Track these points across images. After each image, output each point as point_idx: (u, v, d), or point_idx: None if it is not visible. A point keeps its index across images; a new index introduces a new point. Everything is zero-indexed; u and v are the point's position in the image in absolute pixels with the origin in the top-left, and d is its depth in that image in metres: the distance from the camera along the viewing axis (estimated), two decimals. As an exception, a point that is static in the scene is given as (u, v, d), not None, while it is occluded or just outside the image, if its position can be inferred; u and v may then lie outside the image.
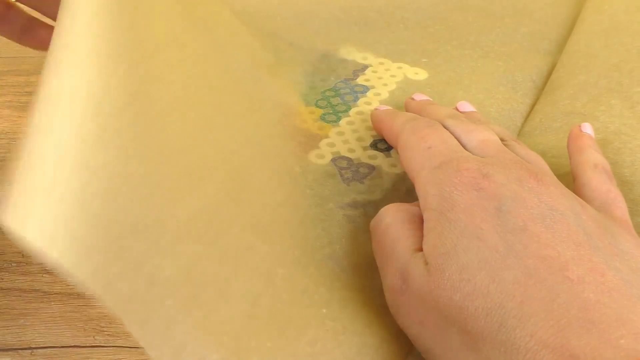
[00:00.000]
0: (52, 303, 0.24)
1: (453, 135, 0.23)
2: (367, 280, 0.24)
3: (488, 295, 0.17)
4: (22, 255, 0.26)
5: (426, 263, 0.19)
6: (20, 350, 0.22)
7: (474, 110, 0.28)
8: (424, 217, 0.21)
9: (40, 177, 0.15)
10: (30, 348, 0.23)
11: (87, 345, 0.23)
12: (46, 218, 0.14)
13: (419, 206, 0.22)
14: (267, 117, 0.28)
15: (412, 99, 0.30)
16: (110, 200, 0.15)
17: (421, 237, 0.20)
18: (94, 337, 0.23)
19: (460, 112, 0.27)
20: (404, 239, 0.21)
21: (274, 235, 0.22)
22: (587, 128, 0.26)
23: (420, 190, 0.21)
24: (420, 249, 0.20)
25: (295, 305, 0.20)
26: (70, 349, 0.23)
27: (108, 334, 0.23)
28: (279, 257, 0.21)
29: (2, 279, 0.25)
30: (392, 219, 0.22)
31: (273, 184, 0.24)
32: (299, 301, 0.21)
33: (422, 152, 0.22)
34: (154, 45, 0.19)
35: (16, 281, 0.25)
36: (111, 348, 0.22)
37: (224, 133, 0.22)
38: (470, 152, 0.22)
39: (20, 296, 0.25)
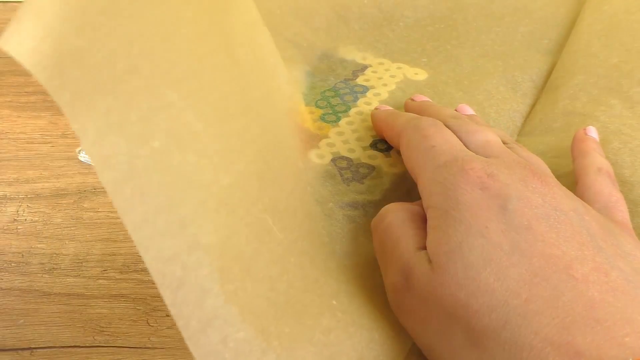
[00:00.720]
0: (52, 303, 0.24)
1: (455, 135, 0.23)
2: (368, 280, 0.24)
3: (493, 293, 0.17)
4: (22, 255, 0.26)
5: (429, 261, 0.19)
6: (20, 351, 0.22)
7: (474, 113, 0.28)
8: (427, 215, 0.21)
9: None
10: (29, 348, 0.23)
11: (87, 345, 0.23)
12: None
13: (420, 205, 0.22)
14: (278, 105, 0.28)
15: (412, 99, 0.30)
16: (172, 144, 0.15)
17: (423, 235, 0.20)
18: (93, 337, 0.23)
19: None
20: (406, 238, 0.21)
21: (286, 222, 0.22)
22: (592, 132, 0.26)
23: (423, 189, 0.21)
24: (423, 247, 0.20)
25: (308, 294, 0.20)
26: (69, 349, 0.23)
27: (108, 334, 0.23)
28: (290, 246, 0.21)
29: (2, 279, 0.25)
30: (393, 217, 0.22)
31: (285, 173, 0.24)
32: (312, 290, 0.20)
33: (425, 151, 0.22)
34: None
35: (15, 281, 0.25)
36: (111, 348, 0.22)
37: (254, 110, 0.22)
38: (473, 152, 0.22)
39: (20, 296, 0.24)
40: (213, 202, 0.16)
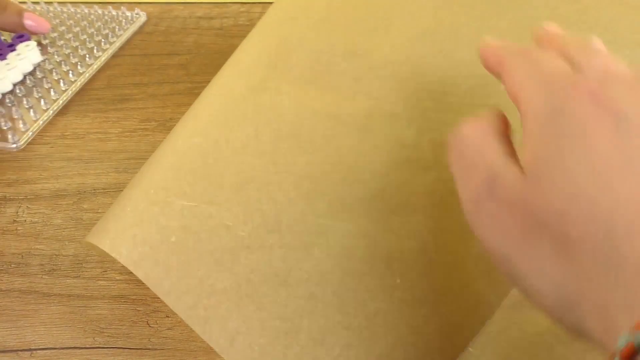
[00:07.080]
0: (52, 304, 0.24)
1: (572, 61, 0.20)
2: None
3: (595, 204, 0.16)
4: (22, 256, 0.26)
5: (521, 169, 0.18)
6: (19, 352, 0.22)
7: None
8: (524, 120, 0.19)
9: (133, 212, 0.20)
10: (29, 349, 0.22)
11: (87, 346, 0.23)
12: (136, 245, 0.20)
13: (496, 117, 0.21)
14: None
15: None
16: (186, 233, 0.20)
17: (508, 143, 0.20)
18: (93, 338, 0.23)
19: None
20: (489, 146, 0.20)
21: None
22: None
23: (522, 90, 0.20)
24: (510, 156, 0.19)
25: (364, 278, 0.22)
26: (69, 350, 0.22)
27: (108, 335, 0.23)
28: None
29: (2, 280, 0.25)
30: (472, 129, 0.20)
31: None
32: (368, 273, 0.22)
33: (531, 73, 0.20)
34: None
35: (15, 282, 0.25)
36: (111, 349, 0.22)
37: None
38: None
39: (20, 297, 0.24)
40: (228, 257, 0.21)
